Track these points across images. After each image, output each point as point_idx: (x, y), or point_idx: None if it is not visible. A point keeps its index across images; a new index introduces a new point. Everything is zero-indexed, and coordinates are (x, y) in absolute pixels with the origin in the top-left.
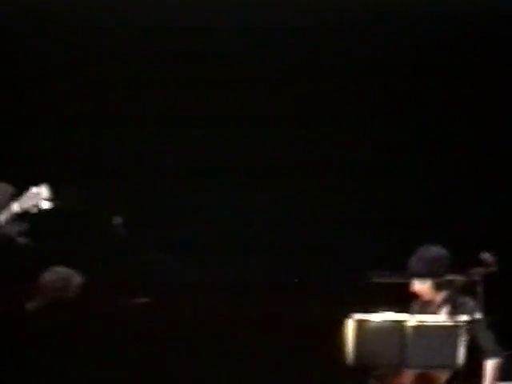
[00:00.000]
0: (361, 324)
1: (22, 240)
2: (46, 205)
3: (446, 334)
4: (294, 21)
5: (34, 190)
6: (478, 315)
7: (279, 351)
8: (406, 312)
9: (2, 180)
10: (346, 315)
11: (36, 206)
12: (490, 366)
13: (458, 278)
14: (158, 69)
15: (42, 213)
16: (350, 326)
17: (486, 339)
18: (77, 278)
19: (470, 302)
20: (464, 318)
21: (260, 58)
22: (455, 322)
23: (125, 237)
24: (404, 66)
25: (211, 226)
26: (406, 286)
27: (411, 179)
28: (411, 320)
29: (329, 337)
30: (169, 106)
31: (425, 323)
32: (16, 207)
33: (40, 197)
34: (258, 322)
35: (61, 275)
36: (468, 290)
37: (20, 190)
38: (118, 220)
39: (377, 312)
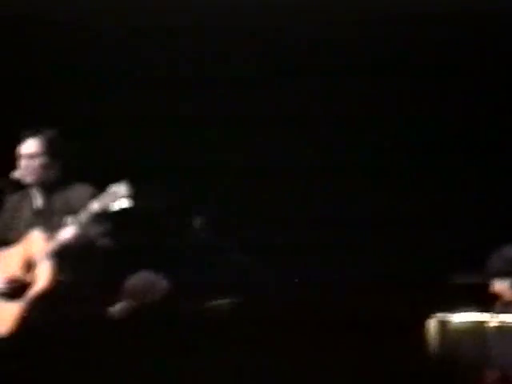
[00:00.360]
0: (443, 324)
1: (103, 241)
2: (125, 204)
3: None
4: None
5: (113, 188)
6: None
7: (359, 352)
8: (488, 312)
9: (81, 179)
10: (428, 316)
11: (116, 204)
12: None
13: None
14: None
15: (122, 212)
16: (431, 327)
17: None
18: (162, 283)
19: None
20: None
21: None
22: None
23: (205, 237)
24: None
25: (288, 226)
26: (488, 286)
27: (491, 178)
28: (493, 320)
29: (411, 337)
30: (241, 106)
31: (507, 323)
32: (95, 206)
33: (120, 195)
34: (338, 323)
35: (147, 280)
36: None
37: (100, 189)
38: (198, 220)
39: (459, 312)
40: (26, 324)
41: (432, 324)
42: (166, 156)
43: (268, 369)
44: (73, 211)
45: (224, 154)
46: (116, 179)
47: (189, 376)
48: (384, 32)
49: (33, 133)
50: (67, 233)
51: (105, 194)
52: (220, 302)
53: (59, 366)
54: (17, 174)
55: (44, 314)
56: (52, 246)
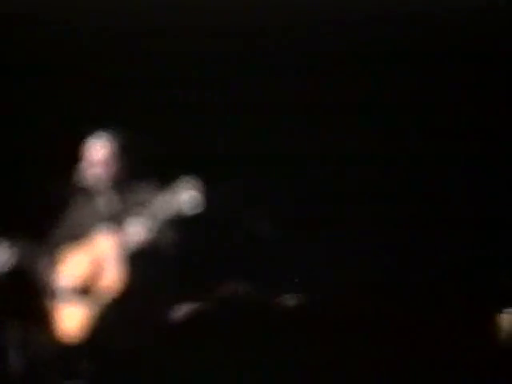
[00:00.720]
0: None
1: (172, 239)
2: (194, 200)
3: None
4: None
5: (181, 184)
6: None
7: (431, 349)
8: None
9: (148, 177)
10: (499, 310)
11: (184, 201)
12: None
13: None
14: None
15: (191, 209)
16: (503, 321)
17: None
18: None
19: None
20: None
21: None
22: None
23: (270, 237)
24: None
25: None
26: None
27: None
28: None
29: (481, 332)
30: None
31: None
32: (164, 203)
33: (188, 192)
34: (408, 320)
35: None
36: None
37: (167, 186)
38: (263, 220)
39: None
40: (95, 325)
41: (503, 318)
42: (233, 150)
43: (338, 365)
44: (141, 209)
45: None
46: (183, 175)
47: (259, 373)
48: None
49: (99, 132)
50: (136, 231)
51: (173, 190)
52: (288, 297)
53: (132, 367)
54: (83, 176)
55: (113, 315)
56: (121, 245)
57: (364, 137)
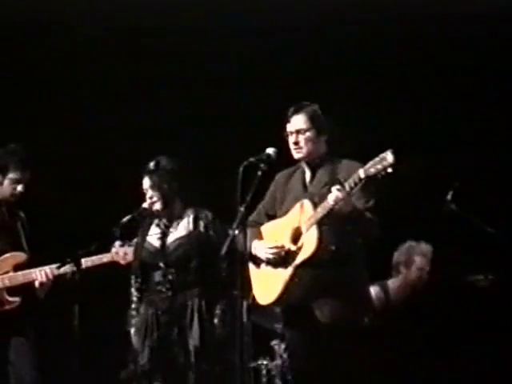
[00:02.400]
0: None
1: (369, 207)
2: (390, 171)
3: None
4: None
5: (380, 156)
6: None
7: None
8: None
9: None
10: None
11: (381, 171)
12: None
13: None
14: None
15: (388, 180)
16: None
17: None
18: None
19: None
20: None
21: None
22: None
23: (455, 211)
24: None
25: None
26: None
27: None
28: None
29: None
30: None
31: None
32: (362, 173)
33: (387, 163)
34: None
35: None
36: None
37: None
38: (449, 196)
39: None
40: (291, 292)
41: None
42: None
43: None
44: (338, 180)
45: None
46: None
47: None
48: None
49: (297, 109)
50: (333, 198)
51: (372, 161)
52: (477, 277)
53: None
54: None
55: (310, 282)
56: (319, 212)
57: None
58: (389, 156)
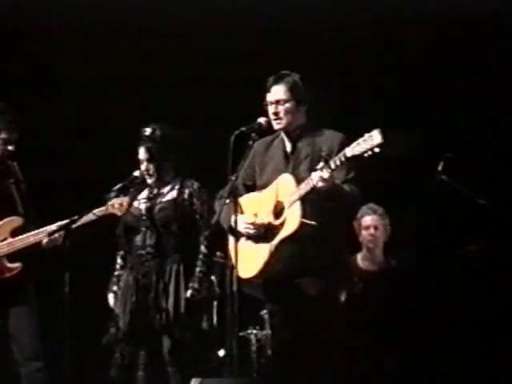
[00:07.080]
0: None
1: (352, 187)
2: (377, 150)
3: None
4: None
5: (367, 135)
6: None
7: None
8: None
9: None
10: None
11: (368, 151)
12: None
13: None
14: None
15: (372, 159)
16: None
17: None
18: None
19: None
20: None
21: None
22: None
23: (446, 181)
24: None
25: None
26: None
27: None
28: None
29: None
30: None
31: None
32: (349, 152)
33: (374, 143)
34: None
35: None
36: None
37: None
38: (440, 167)
39: None
40: (273, 267)
41: None
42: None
43: None
44: (321, 157)
45: None
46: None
47: None
48: None
49: (277, 79)
50: (319, 177)
51: (359, 140)
52: (469, 248)
53: None
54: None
55: (291, 258)
56: (302, 189)
57: None
58: (376, 135)
